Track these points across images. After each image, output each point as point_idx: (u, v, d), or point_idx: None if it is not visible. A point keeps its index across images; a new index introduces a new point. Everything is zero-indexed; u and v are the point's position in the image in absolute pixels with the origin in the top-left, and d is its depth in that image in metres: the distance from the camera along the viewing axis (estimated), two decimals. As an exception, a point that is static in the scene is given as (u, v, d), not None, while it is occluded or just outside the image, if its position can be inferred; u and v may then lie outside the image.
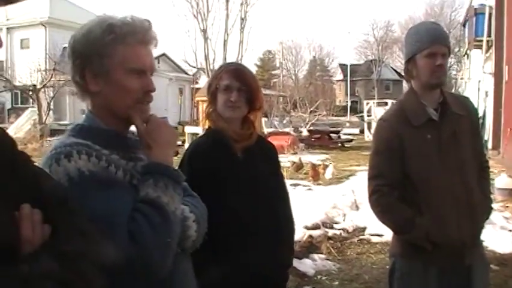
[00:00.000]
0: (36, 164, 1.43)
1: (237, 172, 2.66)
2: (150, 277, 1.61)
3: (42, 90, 26.94)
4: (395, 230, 2.90)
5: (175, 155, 1.91)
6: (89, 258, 1.23)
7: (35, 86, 26.77)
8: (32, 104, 28.27)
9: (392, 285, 2.93)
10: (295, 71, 77.16)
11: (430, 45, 2.73)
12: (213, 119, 2.73)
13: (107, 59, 1.71)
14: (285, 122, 32.80)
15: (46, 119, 26.35)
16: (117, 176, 1.67)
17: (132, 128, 1.84)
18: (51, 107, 27.60)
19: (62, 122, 27.35)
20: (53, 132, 24.88)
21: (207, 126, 2.83)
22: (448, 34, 2.85)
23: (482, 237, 2.96)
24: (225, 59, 37.82)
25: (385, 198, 2.81)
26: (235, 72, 2.69)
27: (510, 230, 7.69)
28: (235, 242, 2.59)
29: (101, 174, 1.61)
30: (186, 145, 20.18)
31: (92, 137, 1.70)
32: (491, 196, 2.99)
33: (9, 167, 1.24)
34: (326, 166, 13.91)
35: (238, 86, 2.64)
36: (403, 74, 2.99)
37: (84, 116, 1.83)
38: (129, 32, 1.72)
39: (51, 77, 26.30)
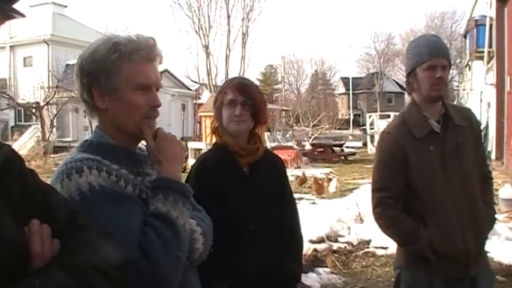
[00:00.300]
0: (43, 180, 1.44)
1: (243, 187, 2.67)
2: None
3: (45, 107, 27.01)
4: (400, 242, 2.90)
5: (183, 171, 1.93)
6: (99, 270, 1.24)
7: (38, 103, 26.84)
8: (35, 121, 28.30)
9: (397, 296, 2.93)
10: (297, 85, 77.49)
11: (429, 58, 2.75)
12: (219, 134, 2.76)
13: (113, 76, 1.75)
14: (287, 136, 32.84)
15: (49, 136, 26.38)
16: (127, 190, 1.70)
17: (140, 143, 1.87)
18: (55, 124, 27.66)
19: (65, 139, 27.45)
20: (57, 149, 24.94)
21: (213, 141, 2.86)
22: (449, 46, 2.88)
23: (488, 248, 2.95)
24: (227, 74, 38.00)
25: (389, 210, 2.82)
26: (240, 86, 2.71)
27: (515, 241, 7.68)
28: (239, 255, 2.60)
29: (111, 188, 1.64)
30: (190, 160, 20.24)
31: (101, 152, 1.73)
32: (495, 207, 2.99)
33: (19, 183, 1.26)
34: (330, 179, 13.88)
35: (242, 100, 2.66)
36: (405, 86, 3.01)
37: (92, 132, 1.88)
38: (134, 49, 1.76)
39: (54, 94, 26.38)
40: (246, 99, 2.66)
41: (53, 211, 1.32)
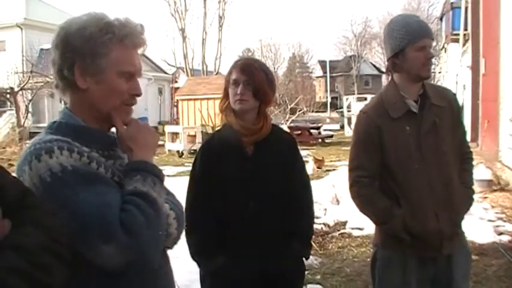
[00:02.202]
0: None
1: (243, 166, 2.76)
2: (144, 268, 1.63)
3: (20, 93, 26.63)
4: (375, 221, 2.93)
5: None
6: (49, 249, 1.23)
7: (12, 88, 26.45)
8: (10, 107, 27.90)
9: (373, 274, 2.98)
10: (274, 68, 77.07)
11: (421, 38, 2.75)
12: (226, 114, 2.84)
13: (101, 58, 1.70)
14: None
15: (25, 122, 26.05)
16: (99, 172, 1.66)
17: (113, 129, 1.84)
18: (30, 109, 27.27)
19: (40, 125, 27.06)
20: (32, 135, 24.49)
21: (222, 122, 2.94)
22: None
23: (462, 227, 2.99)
24: (204, 57, 37.82)
25: (365, 189, 2.84)
26: (242, 66, 2.78)
27: (489, 220, 7.81)
28: (240, 234, 2.73)
29: (84, 169, 1.59)
30: (166, 144, 20.16)
31: (70, 134, 1.68)
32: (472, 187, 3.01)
33: None
34: (306, 162, 13.99)
35: (244, 80, 2.73)
36: (382, 69, 3.02)
37: (60, 113, 1.80)
38: (126, 34, 1.73)
39: (29, 79, 26.01)
40: (247, 79, 2.73)
41: (1, 191, 1.30)
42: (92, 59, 1.69)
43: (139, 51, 1.81)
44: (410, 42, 2.75)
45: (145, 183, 1.64)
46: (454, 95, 3.09)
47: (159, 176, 1.72)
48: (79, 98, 1.75)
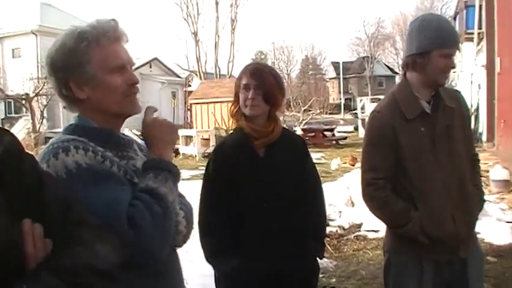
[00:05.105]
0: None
1: (255, 169, 2.80)
2: (148, 262, 1.66)
3: (35, 98, 26.81)
4: (390, 224, 2.89)
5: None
6: (91, 269, 1.22)
7: (27, 94, 26.62)
8: (26, 112, 28.13)
9: (387, 280, 2.93)
10: (287, 70, 77.08)
11: (451, 46, 2.73)
12: (237, 118, 2.89)
13: (86, 65, 1.77)
14: (279, 121, 32.66)
15: (40, 127, 26.21)
16: (112, 170, 1.73)
17: (126, 131, 1.87)
18: (45, 115, 27.46)
19: (55, 130, 27.19)
20: (47, 140, 24.67)
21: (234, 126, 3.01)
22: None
23: (479, 229, 2.95)
24: (217, 61, 37.92)
25: (379, 191, 2.79)
26: (252, 71, 2.82)
27: (506, 222, 7.71)
28: (254, 235, 2.76)
29: (98, 167, 1.68)
30: (180, 147, 20.22)
31: (86, 135, 1.76)
32: (487, 188, 2.99)
33: (15, 177, 1.24)
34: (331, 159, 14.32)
35: (255, 84, 2.77)
36: (395, 70, 2.99)
37: (75, 117, 1.88)
38: (99, 34, 1.78)
39: (44, 85, 26.17)
40: (258, 83, 2.77)
41: (46, 206, 1.29)
42: (79, 70, 1.77)
43: (123, 43, 1.87)
44: (439, 46, 2.69)
45: (157, 180, 1.70)
46: (462, 96, 3.05)
47: (172, 172, 1.78)
48: (85, 107, 1.84)
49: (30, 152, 1.40)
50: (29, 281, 1.11)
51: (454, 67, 2.79)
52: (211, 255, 2.85)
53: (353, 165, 14.60)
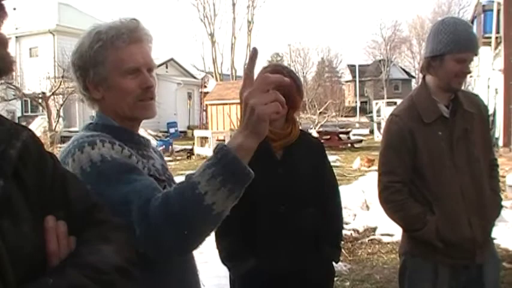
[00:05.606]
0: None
1: (273, 171, 2.77)
2: (163, 262, 1.63)
3: (52, 97, 27.01)
4: (406, 228, 2.87)
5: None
6: (116, 267, 1.21)
7: (44, 93, 26.81)
8: (42, 111, 28.33)
9: (402, 284, 2.92)
10: (303, 72, 77.03)
11: (465, 50, 2.69)
12: None
13: (100, 66, 1.76)
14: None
15: (56, 126, 26.38)
16: (138, 165, 1.69)
17: (143, 133, 1.87)
18: (61, 114, 27.64)
19: (72, 129, 27.39)
20: (63, 139, 24.90)
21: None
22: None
23: (495, 234, 2.93)
24: (233, 62, 38.00)
25: (396, 194, 2.78)
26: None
27: (523, 228, 7.65)
28: (270, 237, 2.76)
29: (123, 160, 1.63)
30: (196, 148, 20.27)
31: (109, 132, 1.75)
32: (503, 193, 2.97)
33: (36, 174, 1.22)
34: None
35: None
36: (412, 73, 2.97)
37: (94, 116, 1.88)
38: (114, 35, 1.76)
39: (60, 84, 26.37)
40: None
41: (70, 205, 1.28)
42: (94, 70, 1.77)
43: (144, 44, 1.83)
44: (452, 51, 2.68)
45: (204, 174, 1.40)
46: (482, 100, 3.03)
47: (230, 170, 1.44)
48: (101, 107, 1.84)
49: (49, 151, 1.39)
50: (54, 276, 1.11)
51: (469, 72, 2.75)
52: (226, 257, 2.85)
53: (369, 167, 14.70)
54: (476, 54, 2.77)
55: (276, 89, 2.78)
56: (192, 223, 1.44)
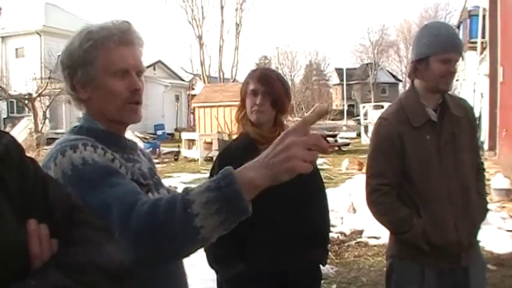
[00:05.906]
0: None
1: None
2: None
3: (38, 98, 26.84)
4: (393, 230, 2.89)
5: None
6: (97, 267, 1.20)
7: (30, 94, 26.64)
8: (28, 112, 28.16)
9: (389, 286, 2.93)
10: (291, 75, 76.99)
11: (448, 51, 2.71)
12: (242, 123, 2.89)
13: (89, 66, 1.74)
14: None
15: (42, 127, 26.23)
16: (121, 170, 1.65)
17: (130, 136, 1.85)
18: (47, 115, 27.50)
19: (58, 131, 27.23)
20: (50, 141, 24.73)
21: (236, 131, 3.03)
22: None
23: (480, 237, 2.96)
24: (221, 64, 38.00)
25: (384, 197, 2.80)
26: (260, 76, 2.81)
27: (507, 230, 7.70)
28: (257, 240, 2.76)
29: (105, 163, 1.60)
30: (182, 151, 20.24)
31: (93, 136, 1.72)
32: (487, 197, 2.99)
33: (18, 178, 1.22)
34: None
35: (263, 90, 2.76)
36: (399, 77, 3.00)
37: (81, 118, 1.85)
38: (105, 36, 1.74)
39: (47, 86, 26.21)
40: (266, 89, 2.76)
41: (50, 207, 1.27)
42: (82, 70, 1.74)
43: (134, 47, 1.81)
44: (435, 53, 2.71)
45: (203, 195, 1.33)
46: (469, 104, 3.06)
47: (229, 202, 1.36)
48: (88, 109, 1.82)
49: (30, 154, 1.38)
50: (36, 278, 1.11)
51: (454, 72, 2.78)
52: (214, 261, 2.85)
53: (360, 170, 14.69)
54: (460, 54, 2.79)
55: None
56: (174, 239, 1.35)
